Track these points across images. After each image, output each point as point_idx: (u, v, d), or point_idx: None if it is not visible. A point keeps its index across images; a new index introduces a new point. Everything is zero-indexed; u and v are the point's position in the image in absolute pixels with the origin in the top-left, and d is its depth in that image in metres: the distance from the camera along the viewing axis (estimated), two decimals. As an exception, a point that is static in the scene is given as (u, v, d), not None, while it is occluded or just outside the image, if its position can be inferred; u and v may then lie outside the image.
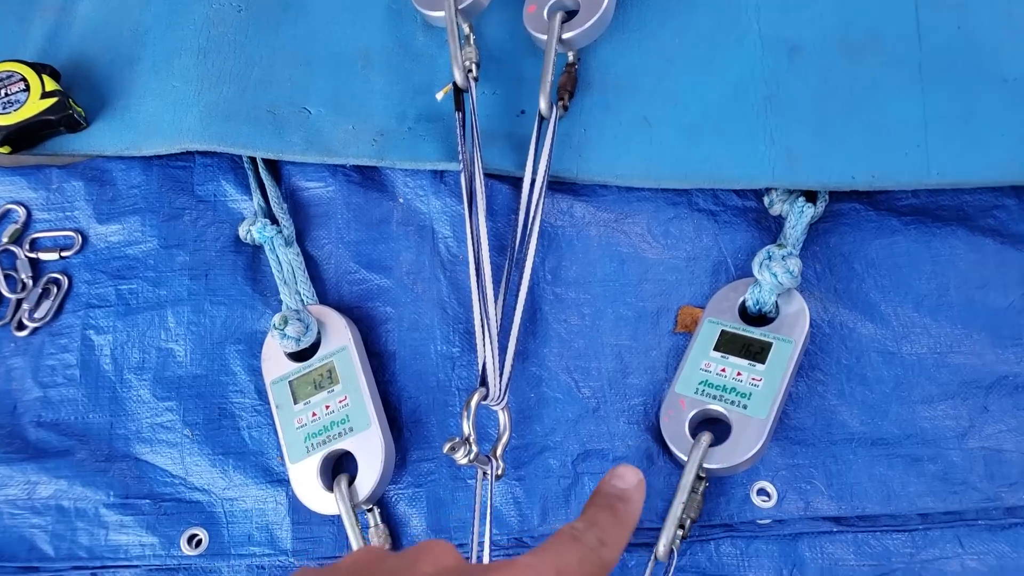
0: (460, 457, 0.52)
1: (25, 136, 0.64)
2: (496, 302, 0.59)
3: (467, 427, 0.53)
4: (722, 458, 0.55)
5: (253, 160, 0.66)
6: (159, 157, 0.66)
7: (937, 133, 0.61)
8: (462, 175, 0.61)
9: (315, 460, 0.56)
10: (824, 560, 0.57)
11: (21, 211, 0.65)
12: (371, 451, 0.55)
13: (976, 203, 0.64)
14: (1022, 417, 0.58)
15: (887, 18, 0.64)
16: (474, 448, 0.53)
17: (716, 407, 0.57)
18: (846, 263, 0.63)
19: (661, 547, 0.53)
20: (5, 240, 0.64)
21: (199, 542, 0.58)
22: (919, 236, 0.62)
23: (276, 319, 0.58)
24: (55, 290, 0.63)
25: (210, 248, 0.64)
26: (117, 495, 0.58)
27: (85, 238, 0.65)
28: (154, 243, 0.64)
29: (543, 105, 0.62)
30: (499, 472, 0.55)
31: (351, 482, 0.55)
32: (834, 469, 0.57)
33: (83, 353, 0.62)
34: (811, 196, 0.63)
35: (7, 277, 0.63)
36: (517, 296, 0.59)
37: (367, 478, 0.55)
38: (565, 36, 0.64)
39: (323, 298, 0.63)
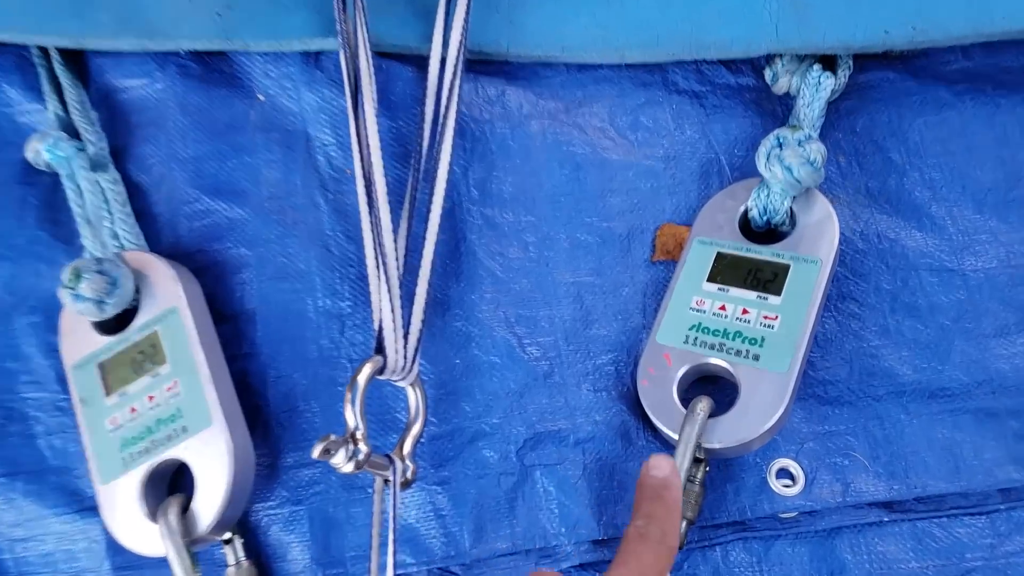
0: (341, 463, 0.35)
1: None
2: (398, 230, 0.41)
3: (352, 416, 0.36)
4: (728, 432, 0.38)
5: (45, 52, 0.46)
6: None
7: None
8: (342, 55, 0.43)
9: (135, 477, 0.38)
10: (873, 562, 0.41)
11: None
12: (213, 459, 0.38)
13: (1049, 60, 0.47)
14: None
15: None
16: (363, 447, 0.35)
17: (716, 360, 0.40)
18: (880, 152, 0.46)
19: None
20: None
21: (-20, 605, 0.40)
22: (977, 109, 0.46)
23: (65, 273, 0.39)
24: None
25: (-11, 174, 0.45)
26: None
27: None
28: None
29: (450, -49, 0.44)
30: (407, 477, 0.38)
31: (187, 506, 0.37)
32: (880, 435, 0.42)
33: None
34: (829, 63, 0.46)
35: None
36: (427, 222, 0.41)
37: (210, 497, 0.37)
38: None
39: (153, 241, 0.44)
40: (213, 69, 0.47)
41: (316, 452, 0.34)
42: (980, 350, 0.42)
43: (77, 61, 0.47)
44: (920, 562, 0.41)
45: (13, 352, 0.42)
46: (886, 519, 0.41)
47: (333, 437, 0.34)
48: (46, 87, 0.46)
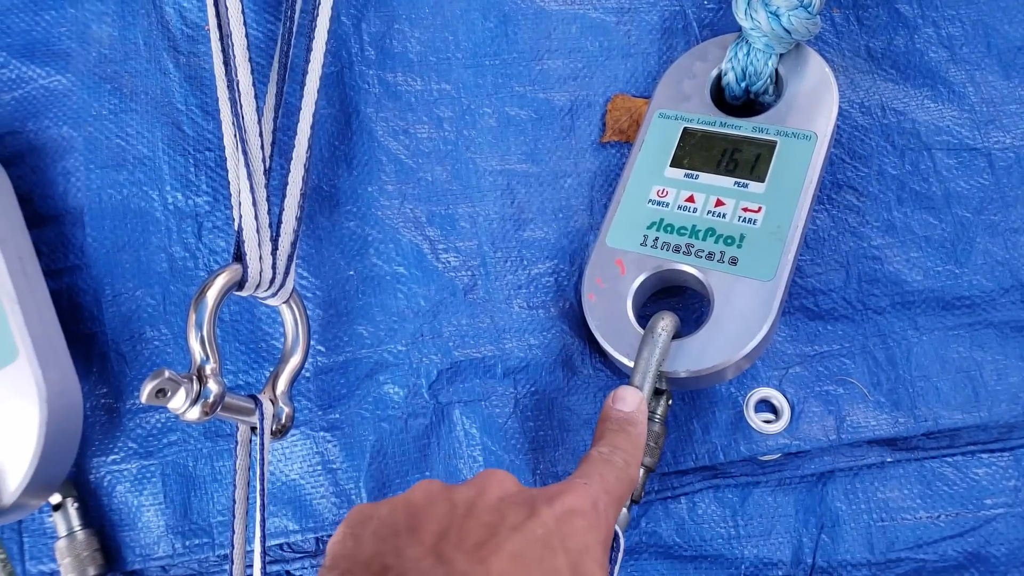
0: (181, 406, 0.26)
1: None
2: (265, 103, 0.31)
3: (197, 344, 0.26)
4: (698, 356, 0.31)
5: None
6: None
7: None
8: None
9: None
10: (873, 513, 0.34)
11: None
12: (20, 402, 0.28)
13: None
14: None
15: None
16: (214, 386, 0.26)
17: (683, 266, 0.32)
18: (885, 3, 0.37)
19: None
20: None
21: None
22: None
23: None
24: None
25: None
26: None
27: None
28: None
29: None
30: (283, 421, 0.29)
31: (-16, 468, 0.28)
32: (883, 356, 0.35)
33: None
34: None
35: None
36: (303, 88, 0.31)
37: (16, 453, 0.28)
38: None
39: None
40: None
41: (144, 394, 0.25)
42: (1007, 249, 0.35)
43: None
44: (929, 511, 0.34)
45: None
46: (889, 459, 0.35)
47: (169, 373, 0.25)
48: None
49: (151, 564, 0.32)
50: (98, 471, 0.32)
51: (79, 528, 0.31)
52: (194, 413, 0.26)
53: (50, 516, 0.32)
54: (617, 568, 0.29)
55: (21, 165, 0.33)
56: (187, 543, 0.32)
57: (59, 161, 0.33)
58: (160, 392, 0.26)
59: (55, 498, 0.31)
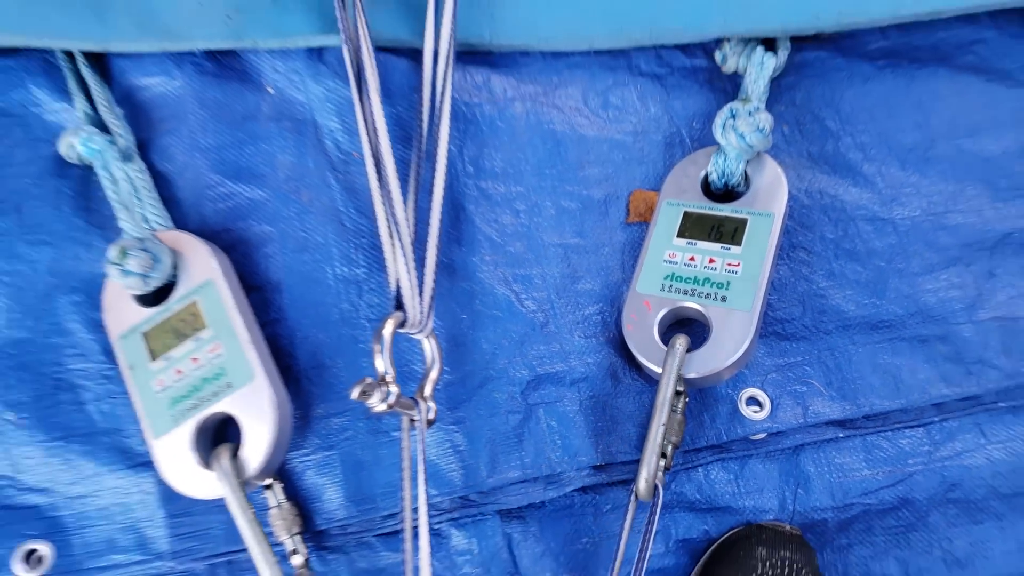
0: (376, 403, 0.40)
1: None
2: (406, 204, 0.46)
3: (381, 363, 0.41)
4: (704, 363, 0.44)
5: (70, 56, 0.50)
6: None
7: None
8: (345, 49, 0.48)
9: (186, 430, 0.43)
10: (832, 473, 0.48)
11: None
12: (258, 409, 0.42)
13: (953, 39, 0.54)
14: (1033, 278, 0.49)
15: None
16: (393, 389, 0.40)
17: (689, 304, 0.46)
18: (817, 121, 0.53)
19: (642, 483, 0.42)
20: None
21: (40, 559, 0.44)
22: (896, 81, 0.53)
23: (112, 251, 0.43)
24: None
25: (22, 174, 0.48)
26: (-80, 510, 0.44)
27: None
28: (-59, 171, 0.48)
29: (436, -46, 0.49)
30: (430, 417, 0.43)
31: (235, 453, 0.42)
32: (832, 364, 0.48)
33: None
34: (770, 45, 0.52)
35: None
36: (432, 195, 0.46)
37: (256, 445, 0.42)
38: None
39: (181, 223, 0.48)
40: (226, 66, 0.51)
41: (355, 393, 0.39)
42: (911, 286, 0.49)
43: (100, 62, 0.51)
44: (871, 470, 0.48)
45: (58, 329, 0.46)
46: (841, 435, 0.48)
47: (369, 380, 0.39)
48: (73, 87, 0.50)
49: (333, 524, 0.45)
50: (292, 461, 0.46)
51: (284, 501, 0.45)
52: (382, 407, 0.40)
53: (262, 495, 0.45)
54: (657, 515, 0.43)
55: (236, 251, 0.47)
56: (358, 508, 0.45)
57: (261, 248, 0.48)
58: (363, 392, 0.40)
59: (267, 481, 0.45)
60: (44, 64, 0.51)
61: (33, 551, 0.43)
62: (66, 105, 0.50)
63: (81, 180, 0.49)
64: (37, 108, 0.50)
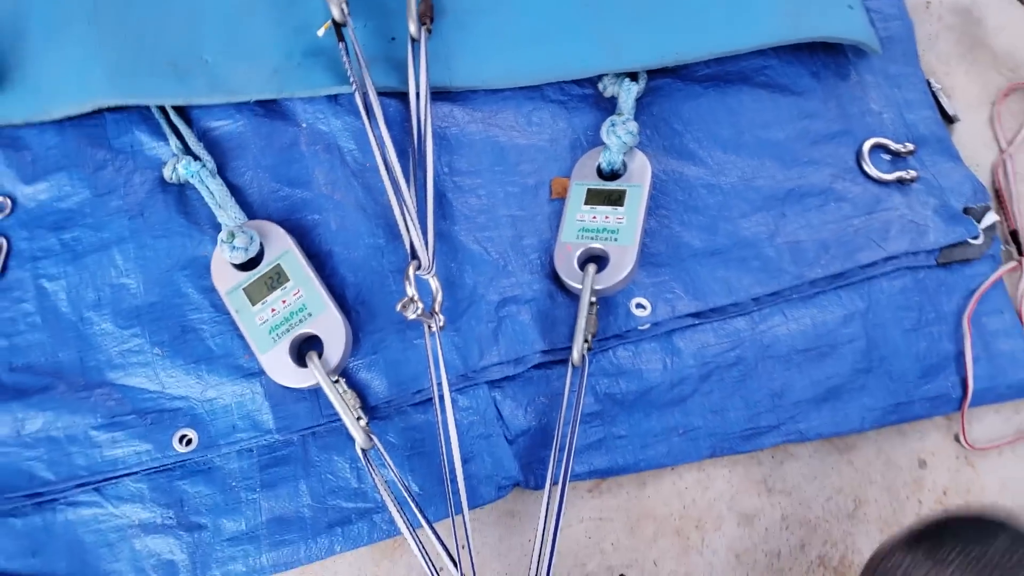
0: (410, 313, 0.64)
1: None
2: (410, 193, 0.71)
3: (410, 290, 0.65)
4: (606, 280, 0.71)
5: (163, 109, 0.73)
6: (69, 119, 0.71)
7: (719, 14, 0.79)
8: (356, 94, 0.72)
9: (284, 345, 0.66)
10: (693, 345, 0.74)
11: (-58, 185, 0.68)
12: (332, 327, 0.66)
13: (751, 66, 0.83)
14: (808, 216, 0.78)
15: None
16: (419, 305, 0.64)
17: (595, 245, 0.73)
18: (667, 125, 0.80)
19: (575, 354, 0.68)
20: (-70, 213, 0.67)
21: (189, 441, 0.66)
22: (716, 96, 0.81)
23: (223, 234, 0.66)
24: (-5, 252, 0.67)
25: (139, 191, 0.71)
26: (103, 417, 0.65)
27: (14, 200, 0.69)
28: (86, 193, 0.69)
29: (412, 28, 0.74)
30: (441, 324, 0.68)
31: (320, 355, 0.65)
32: (687, 279, 0.75)
33: (40, 300, 0.67)
34: (633, 77, 0.80)
35: (-58, 248, 0.67)
36: (426, 188, 0.71)
37: (334, 349, 0.66)
38: (418, -32, 0.76)
39: (254, 218, 0.71)
40: (271, 111, 0.75)
41: (399, 307, 0.63)
42: (733, 226, 0.77)
43: (183, 113, 0.74)
44: (717, 342, 0.75)
45: (178, 292, 0.69)
46: (697, 323, 0.74)
47: (405, 299, 0.64)
48: (166, 130, 0.72)
49: (381, 401, 0.69)
50: (350, 365, 0.69)
51: (349, 389, 0.68)
52: (414, 316, 0.64)
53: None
54: (585, 375, 0.69)
55: (294, 234, 0.71)
56: (397, 389, 0.69)
57: (313, 231, 0.71)
58: (403, 307, 0.64)
59: (335, 376, 0.68)
60: (142, 116, 0.73)
61: (184, 436, 0.66)
62: (161, 143, 0.72)
63: (178, 194, 0.72)
64: (141, 147, 0.72)
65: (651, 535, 0.71)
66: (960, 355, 0.77)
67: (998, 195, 0.86)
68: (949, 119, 0.88)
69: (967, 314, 0.78)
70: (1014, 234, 0.84)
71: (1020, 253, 0.83)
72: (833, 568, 0.72)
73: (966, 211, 0.82)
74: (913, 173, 0.82)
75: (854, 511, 0.74)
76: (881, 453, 0.77)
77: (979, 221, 0.82)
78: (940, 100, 0.88)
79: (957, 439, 0.78)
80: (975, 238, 0.81)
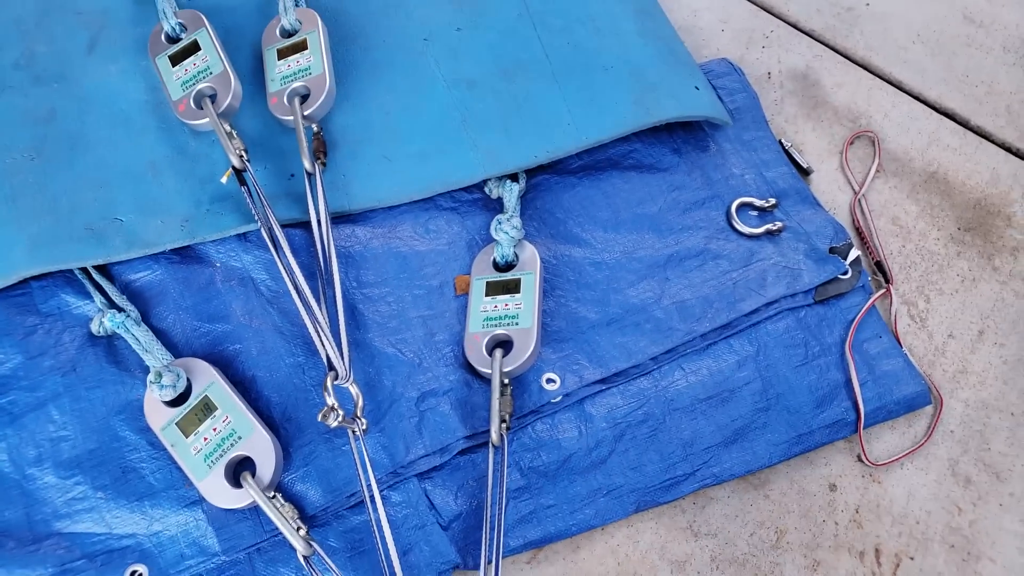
0: (332, 421, 0.69)
1: None
2: (321, 311, 0.77)
3: (330, 400, 0.71)
4: (513, 361, 0.77)
5: (85, 270, 0.79)
6: (-2, 292, 0.77)
7: (577, 113, 0.89)
8: (262, 230, 0.79)
9: (219, 470, 0.70)
10: (604, 409, 0.81)
11: None
12: (262, 446, 0.71)
13: (618, 152, 0.93)
14: (690, 276, 0.87)
15: (522, 48, 0.92)
16: (340, 412, 0.70)
17: (499, 331, 0.80)
18: (551, 214, 0.89)
19: (493, 435, 0.74)
20: None
21: (140, 575, 0.69)
22: (591, 183, 0.91)
23: (151, 376, 0.72)
24: (-65, 426, 0.71)
25: (70, 348, 0.76)
26: (54, 566, 0.68)
27: (-52, 375, 0.74)
28: (19, 359, 0.74)
29: (307, 164, 0.82)
30: (364, 428, 0.73)
31: (253, 475, 0.70)
32: (589, 349, 0.82)
33: (-18, 465, 0.71)
34: (514, 178, 0.89)
35: None
36: (336, 304, 0.78)
37: (266, 467, 0.71)
38: (306, 113, 0.85)
39: (179, 356, 0.77)
40: (187, 256, 0.81)
41: (320, 416, 0.68)
42: (622, 296, 0.85)
43: (103, 270, 0.80)
44: (625, 402, 0.81)
45: (115, 437, 0.73)
46: (604, 388, 0.81)
47: (325, 409, 0.69)
48: (90, 288, 0.78)
49: (318, 509, 0.73)
50: (284, 480, 0.74)
51: (286, 503, 0.72)
52: (335, 423, 0.70)
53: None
54: (506, 453, 0.75)
55: (220, 364, 0.77)
56: (331, 496, 0.73)
57: (236, 359, 0.76)
58: (324, 416, 0.69)
59: (271, 493, 0.73)
60: (66, 280, 0.79)
61: (135, 572, 0.69)
62: (87, 302, 0.78)
63: (107, 346, 0.77)
64: (68, 308, 0.78)
65: (592, 595, 0.76)
66: (848, 382, 0.85)
67: (859, 232, 0.96)
68: (804, 172, 0.99)
69: (848, 343, 0.86)
70: (879, 264, 0.93)
71: (887, 281, 0.93)
72: (766, 598, 0.77)
73: (832, 251, 0.91)
74: (780, 224, 0.91)
75: (777, 541, 0.80)
76: (793, 484, 0.83)
77: (845, 258, 0.91)
78: (793, 156, 0.99)
79: (860, 459, 0.84)
80: (844, 274, 0.90)
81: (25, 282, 0.78)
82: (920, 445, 0.85)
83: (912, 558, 0.80)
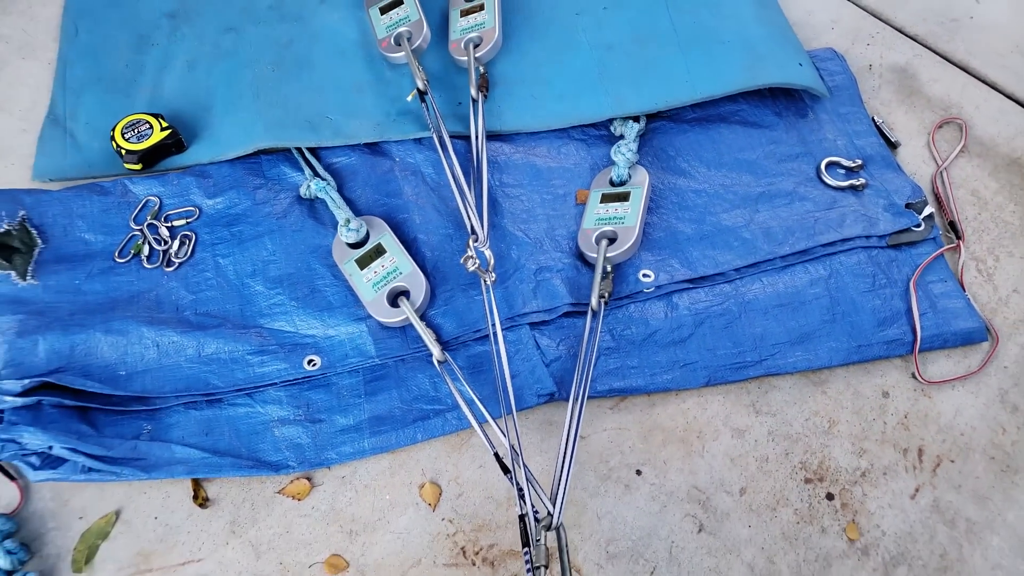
0: (470, 266, 0.90)
1: (151, 157, 1.01)
2: (471, 196, 0.99)
3: (470, 251, 0.91)
4: (615, 249, 0.96)
5: (300, 151, 1.05)
6: (238, 158, 1.04)
7: (695, 73, 1.08)
8: (434, 136, 1.02)
9: (383, 296, 0.92)
10: (688, 301, 0.97)
11: (156, 200, 1.00)
12: (416, 281, 0.93)
13: (727, 110, 1.11)
14: (777, 211, 1.03)
15: (655, 23, 1.13)
16: (476, 260, 0.91)
17: (607, 227, 0.98)
18: (664, 152, 1.08)
19: (593, 300, 0.92)
20: (149, 218, 0.99)
21: (314, 363, 0.91)
22: (701, 131, 1.09)
23: (341, 222, 0.95)
24: (188, 241, 0.97)
25: (283, 203, 1.01)
26: (255, 347, 0.92)
27: (200, 209, 1.01)
28: (247, 204, 1.00)
29: (473, 93, 1.06)
30: (492, 279, 0.93)
31: (407, 299, 0.91)
32: (682, 256, 0.99)
33: (216, 271, 0.96)
34: (636, 119, 1.08)
35: (155, 240, 0.97)
36: (482, 196, 0.99)
37: (418, 296, 0.92)
38: (476, 55, 1.09)
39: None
40: (375, 150, 1.06)
41: (462, 260, 0.89)
42: (716, 219, 1.02)
43: (313, 151, 1.05)
44: (707, 298, 0.98)
45: (308, 267, 0.97)
46: (691, 287, 0.98)
47: (465, 256, 0.90)
48: (302, 163, 1.04)
49: (451, 337, 0.93)
50: (427, 314, 0.95)
51: (427, 328, 0.93)
52: (472, 268, 0.90)
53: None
54: (601, 319, 0.92)
55: (392, 226, 1.00)
56: (462, 327, 0.93)
57: (403, 225, 0.99)
58: (465, 261, 0.90)
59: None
60: (285, 157, 1.05)
61: (311, 359, 0.91)
62: (299, 174, 1.04)
63: (309, 206, 1.02)
64: (285, 176, 1.04)
65: (660, 442, 0.91)
66: (909, 310, 0.97)
67: (937, 199, 1.09)
68: (892, 145, 1.13)
69: (913, 279, 0.99)
70: (952, 224, 1.06)
71: (959, 237, 1.04)
72: (813, 471, 0.90)
73: (908, 206, 1.05)
74: (863, 181, 1.06)
75: (829, 428, 0.92)
76: (850, 386, 0.95)
77: (920, 213, 1.04)
78: (884, 131, 1.13)
79: (914, 376, 0.96)
80: (917, 226, 1.03)
81: (257, 154, 1.05)
82: (973, 372, 0.95)
83: (953, 461, 0.90)
